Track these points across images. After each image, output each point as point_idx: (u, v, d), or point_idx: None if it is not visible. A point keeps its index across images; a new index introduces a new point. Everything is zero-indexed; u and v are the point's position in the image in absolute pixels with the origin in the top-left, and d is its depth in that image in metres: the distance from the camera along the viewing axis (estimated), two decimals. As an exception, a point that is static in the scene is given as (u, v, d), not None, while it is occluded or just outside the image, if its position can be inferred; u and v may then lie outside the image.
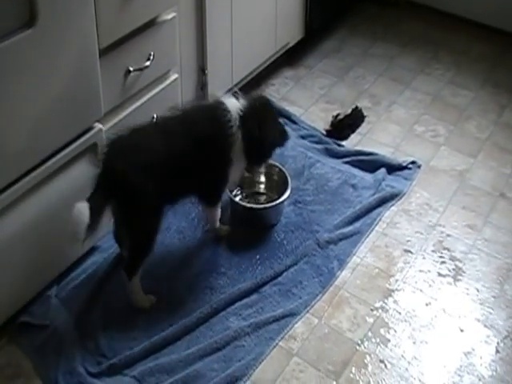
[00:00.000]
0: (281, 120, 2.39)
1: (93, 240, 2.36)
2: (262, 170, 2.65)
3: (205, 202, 2.40)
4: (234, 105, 2.24)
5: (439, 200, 2.74)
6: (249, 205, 2.57)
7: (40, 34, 1.88)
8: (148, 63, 2.35)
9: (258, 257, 2.44)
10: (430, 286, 2.40)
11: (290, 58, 3.45)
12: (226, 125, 2.19)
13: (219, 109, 2.21)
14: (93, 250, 2.40)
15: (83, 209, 1.95)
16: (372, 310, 2.31)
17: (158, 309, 2.25)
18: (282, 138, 2.42)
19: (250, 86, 3.20)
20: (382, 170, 2.82)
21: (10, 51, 1.82)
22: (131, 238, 2.18)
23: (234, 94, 2.29)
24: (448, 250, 2.53)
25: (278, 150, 2.76)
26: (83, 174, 2.21)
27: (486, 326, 2.28)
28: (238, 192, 2.66)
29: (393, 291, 2.37)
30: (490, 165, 2.93)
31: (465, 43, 3.68)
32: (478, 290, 2.39)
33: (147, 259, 2.19)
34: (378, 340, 2.21)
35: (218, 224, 2.50)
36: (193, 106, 2.35)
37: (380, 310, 2.31)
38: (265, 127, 2.27)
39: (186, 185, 2.22)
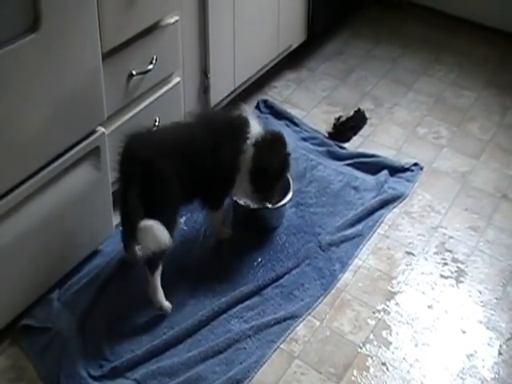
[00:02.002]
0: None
1: (95, 243, 2.37)
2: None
3: (208, 205, 2.41)
4: (256, 128, 2.34)
5: (441, 202, 2.74)
6: (251, 207, 2.57)
7: (43, 38, 1.90)
8: (151, 67, 2.36)
9: (259, 259, 2.45)
10: (432, 288, 2.40)
11: (292, 60, 3.45)
12: (244, 140, 2.29)
13: (243, 124, 2.32)
14: (95, 253, 2.40)
15: (149, 226, 1.99)
16: (374, 312, 2.31)
17: (160, 311, 2.25)
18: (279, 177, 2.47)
19: (252, 88, 3.21)
20: (384, 172, 2.82)
21: (14, 55, 1.83)
22: None
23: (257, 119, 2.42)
24: (450, 252, 2.53)
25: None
26: (86, 177, 2.22)
27: (488, 328, 2.28)
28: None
29: (395, 293, 2.37)
30: (493, 166, 2.93)
31: (467, 45, 3.67)
32: (480, 292, 2.39)
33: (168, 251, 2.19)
34: (379, 342, 2.21)
35: (218, 228, 2.50)
36: (217, 112, 2.52)
37: (382, 313, 2.31)
38: (274, 163, 2.37)
39: (197, 184, 2.25)
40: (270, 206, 2.50)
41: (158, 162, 2.09)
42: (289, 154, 2.43)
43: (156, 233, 2.00)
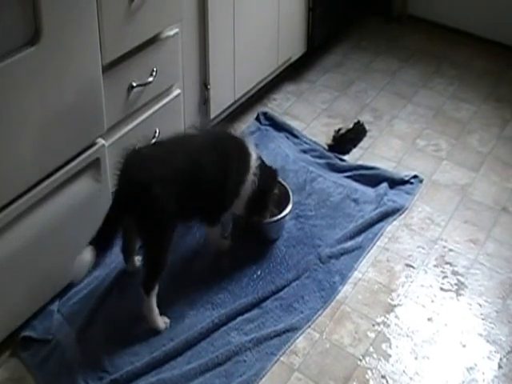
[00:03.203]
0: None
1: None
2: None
3: (206, 222, 2.43)
4: (255, 153, 2.38)
5: (441, 214, 2.74)
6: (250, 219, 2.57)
7: (44, 51, 1.90)
8: (151, 79, 2.37)
9: (259, 272, 2.44)
10: (431, 300, 2.40)
11: (292, 72, 3.46)
12: (247, 167, 2.34)
13: (245, 151, 2.35)
14: (95, 265, 2.39)
15: (85, 257, 2.02)
16: (373, 325, 2.31)
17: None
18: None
19: (252, 100, 3.22)
20: (384, 185, 2.82)
21: (14, 68, 1.84)
22: (149, 252, 2.19)
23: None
24: (450, 264, 2.53)
25: (279, 165, 2.79)
26: (86, 189, 2.23)
27: (488, 341, 2.27)
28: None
29: (394, 306, 2.37)
30: (493, 179, 2.93)
31: (467, 57, 3.69)
32: (480, 305, 2.39)
33: (163, 274, 2.20)
34: (379, 355, 2.21)
35: (218, 240, 2.51)
36: (219, 133, 2.48)
37: (382, 325, 2.31)
38: (271, 186, 2.46)
39: (195, 205, 2.25)
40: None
41: (155, 187, 2.06)
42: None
43: (78, 265, 2.02)
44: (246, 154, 2.34)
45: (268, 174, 2.43)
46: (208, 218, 2.40)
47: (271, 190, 2.45)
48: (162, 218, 2.11)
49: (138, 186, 2.07)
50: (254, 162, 2.35)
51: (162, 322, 2.24)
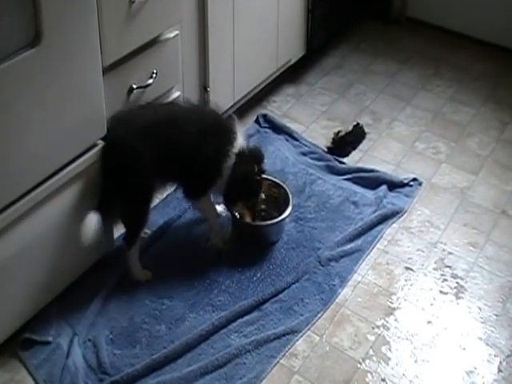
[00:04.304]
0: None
1: (95, 257, 2.37)
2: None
3: (189, 193, 2.42)
4: (241, 138, 2.39)
5: (440, 217, 2.74)
6: (250, 222, 2.57)
7: (44, 53, 1.90)
8: (151, 81, 2.36)
9: (259, 274, 2.44)
10: (431, 304, 2.40)
11: (291, 74, 3.46)
12: (230, 146, 2.35)
13: (231, 130, 2.37)
14: (95, 266, 2.40)
15: (92, 220, 2.14)
16: (373, 327, 2.31)
17: (160, 326, 2.25)
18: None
19: (251, 103, 3.22)
20: (383, 187, 2.82)
21: (14, 70, 1.83)
22: (129, 209, 2.29)
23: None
24: (449, 267, 2.53)
25: (278, 167, 2.80)
26: (86, 192, 2.22)
27: (488, 344, 2.27)
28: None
29: (394, 309, 2.37)
30: (492, 182, 2.93)
31: (466, 60, 3.69)
32: (480, 309, 2.39)
33: (142, 231, 2.37)
34: (379, 358, 2.21)
35: (217, 240, 2.52)
36: (210, 110, 2.50)
37: (381, 328, 2.31)
38: (252, 178, 2.44)
39: (175, 170, 2.31)
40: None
41: (128, 139, 2.18)
42: (263, 172, 2.48)
43: (85, 228, 2.14)
44: (229, 131, 2.37)
45: (255, 156, 2.44)
46: (191, 189, 2.40)
47: (254, 173, 2.43)
48: (139, 168, 2.20)
49: (116, 139, 2.19)
50: (238, 142, 2.36)
51: (142, 274, 2.36)
